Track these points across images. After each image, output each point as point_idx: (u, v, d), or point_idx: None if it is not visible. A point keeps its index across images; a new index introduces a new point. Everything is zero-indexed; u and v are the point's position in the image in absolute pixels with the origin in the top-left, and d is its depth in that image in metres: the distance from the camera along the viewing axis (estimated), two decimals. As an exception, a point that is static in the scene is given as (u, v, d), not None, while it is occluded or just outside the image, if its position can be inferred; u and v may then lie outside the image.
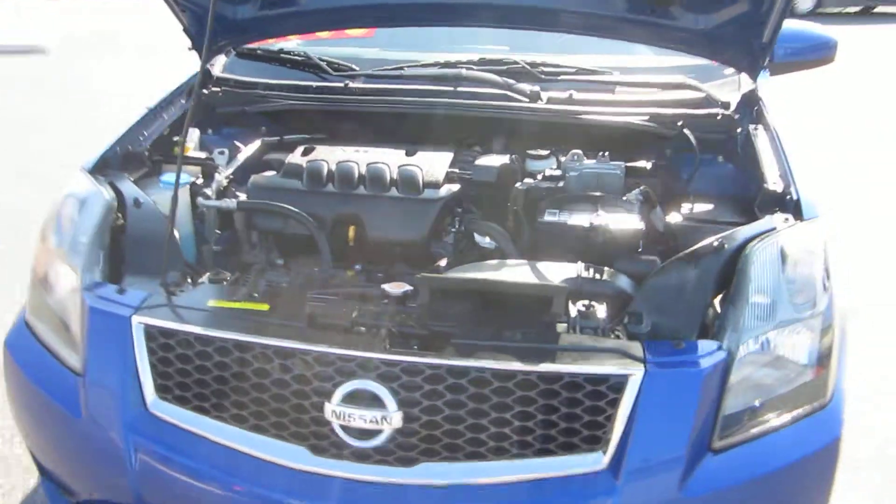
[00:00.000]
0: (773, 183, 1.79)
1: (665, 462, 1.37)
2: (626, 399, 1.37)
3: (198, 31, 2.22)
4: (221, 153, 2.22)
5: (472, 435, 1.39)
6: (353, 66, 2.33)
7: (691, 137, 2.01)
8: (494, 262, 1.67)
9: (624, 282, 1.62)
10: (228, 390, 1.47)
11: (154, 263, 1.67)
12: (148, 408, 1.50)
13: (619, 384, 1.37)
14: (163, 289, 1.60)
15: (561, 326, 1.50)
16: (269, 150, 2.17)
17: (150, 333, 1.52)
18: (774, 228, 1.60)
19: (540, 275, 1.60)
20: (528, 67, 2.22)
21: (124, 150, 2.01)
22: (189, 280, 1.69)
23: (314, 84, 2.28)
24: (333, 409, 1.39)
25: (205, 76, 2.34)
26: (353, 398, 1.39)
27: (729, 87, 2.24)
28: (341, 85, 2.24)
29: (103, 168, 1.93)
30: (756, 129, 2.04)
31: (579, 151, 1.96)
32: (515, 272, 1.61)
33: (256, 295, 1.60)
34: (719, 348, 1.42)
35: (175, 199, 1.60)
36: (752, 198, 1.84)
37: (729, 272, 1.55)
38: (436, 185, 1.86)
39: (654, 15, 1.98)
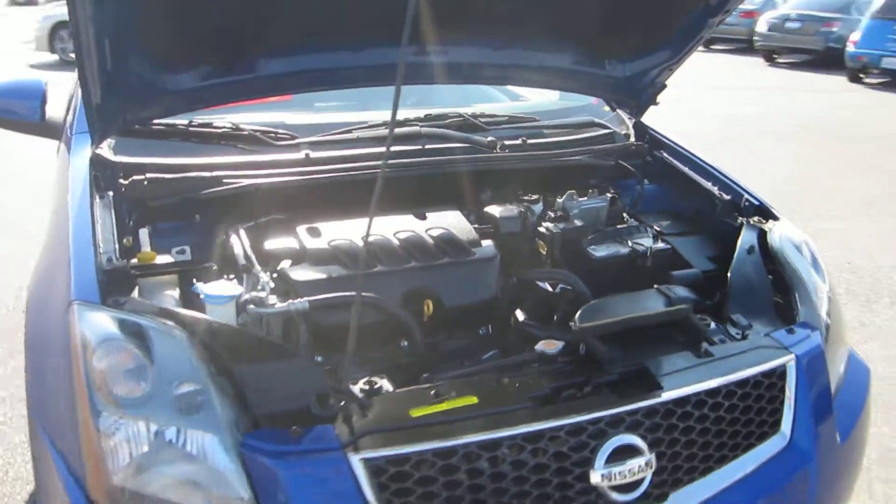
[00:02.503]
0: (722, 193, 2.22)
1: (825, 422, 1.67)
2: (790, 383, 1.64)
3: (113, 107, 1.82)
4: (181, 252, 1.87)
5: (703, 452, 1.51)
6: (293, 134, 2.13)
7: (629, 166, 2.36)
8: (606, 300, 1.77)
9: (690, 292, 1.88)
10: (483, 497, 1.34)
11: (272, 395, 1.38)
12: (397, 559, 1.27)
13: (782, 373, 1.63)
14: (352, 409, 1.35)
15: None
16: (255, 238, 1.89)
17: (376, 468, 1.29)
18: (770, 229, 2.02)
19: (651, 301, 1.76)
20: (471, 119, 2.32)
21: (104, 270, 1.57)
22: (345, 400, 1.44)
23: (266, 158, 2.03)
24: (602, 473, 1.38)
25: (127, 167, 1.91)
26: (612, 457, 1.40)
27: (614, 121, 2.63)
28: (301, 156, 2.05)
29: (108, 297, 1.49)
30: (661, 152, 2.46)
31: (574, 191, 2.15)
32: (635, 304, 1.74)
33: (434, 393, 1.45)
34: (813, 328, 1.77)
35: (358, 300, 1.36)
36: (690, 211, 2.26)
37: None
38: (476, 244, 1.88)
39: (594, 66, 2.27)
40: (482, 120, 2.34)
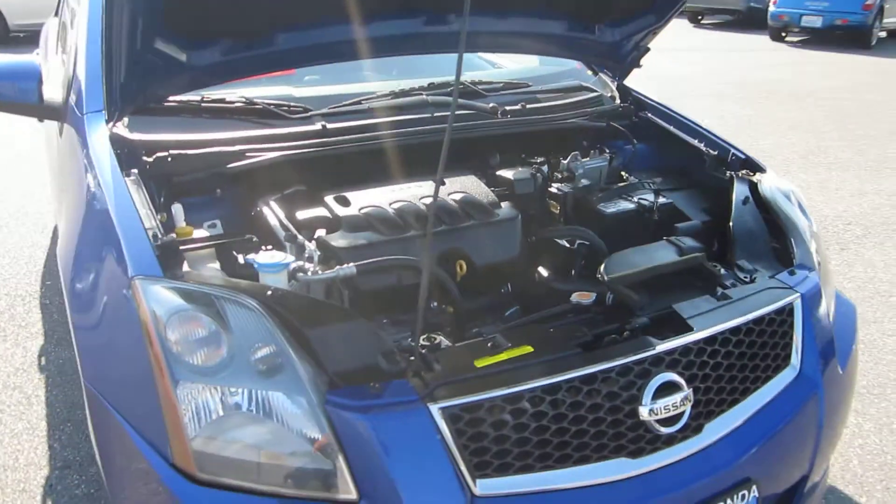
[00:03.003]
0: (710, 149, 2.36)
1: (828, 354, 1.84)
2: (797, 319, 1.80)
3: (136, 85, 1.82)
4: (213, 226, 1.90)
5: (729, 386, 1.66)
6: (306, 107, 2.16)
7: (620, 127, 2.48)
8: (625, 252, 1.89)
9: (695, 242, 2.02)
10: (549, 437, 1.45)
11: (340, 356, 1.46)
12: (477, 495, 1.37)
13: (790, 310, 1.79)
14: (418, 363, 1.44)
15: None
16: (285, 209, 1.93)
17: (453, 415, 1.38)
18: (760, 181, 2.18)
19: (664, 252, 1.90)
20: (472, 87, 2.39)
21: (157, 245, 1.60)
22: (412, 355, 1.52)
23: (283, 131, 2.06)
24: (649, 408, 1.51)
25: (149, 144, 1.91)
26: (656, 394, 1.53)
27: (598, 84, 2.74)
28: (317, 127, 2.09)
29: (167, 270, 1.52)
30: (645, 113, 2.59)
31: (577, 152, 2.26)
32: (652, 255, 1.87)
33: (491, 345, 1.55)
34: (810, 269, 1.94)
35: (427, 262, 1.42)
36: (678, 168, 2.41)
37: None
38: (496, 205, 1.98)
39: (586, 31, 2.37)
40: (481, 87, 2.41)
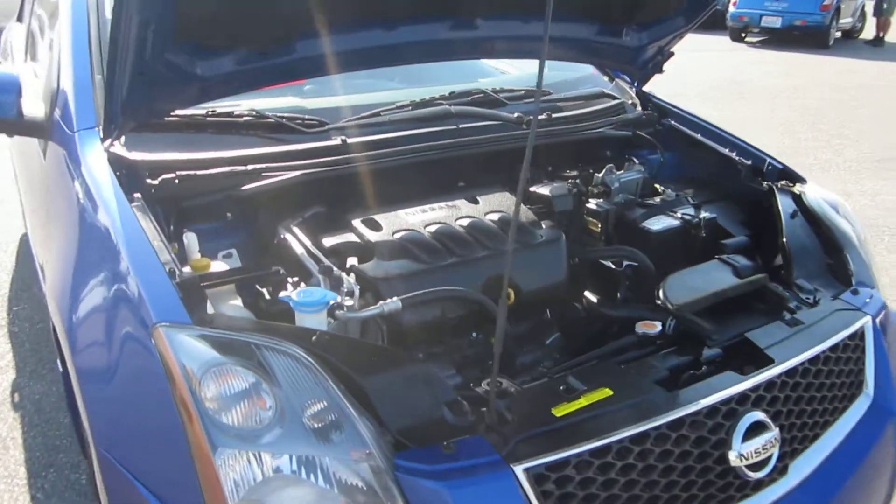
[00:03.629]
0: (742, 159, 2.24)
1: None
2: (868, 343, 1.68)
3: (141, 99, 1.62)
4: (228, 256, 1.70)
5: (811, 420, 1.53)
6: (322, 119, 1.97)
7: (647, 136, 2.35)
8: (682, 274, 1.75)
9: (749, 259, 1.89)
10: (638, 491, 1.29)
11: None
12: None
13: (861, 333, 1.68)
14: (492, 415, 1.27)
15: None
16: (310, 235, 1.74)
17: (538, 476, 1.21)
18: (803, 192, 2.07)
19: (721, 272, 1.76)
20: (493, 95, 2.23)
21: (179, 285, 1.39)
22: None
23: (301, 147, 1.87)
24: (739, 452, 1.37)
25: (152, 165, 1.71)
26: (745, 435, 1.39)
27: (616, 91, 2.60)
28: (337, 142, 1.90)
29: (194, 314, 1.32)
30: (668, 119, 2.46)
31: (612, 165, 2.11)
32: (709, 276, 1.74)
33: (564, 388, 1.39)
34: (871, 286, 1.83)
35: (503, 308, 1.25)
36: (706, 176, 2.29)
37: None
38: (537, 225, 1.82)
39: (614, 35, 2.23)
40: (502, 95, 2.25)
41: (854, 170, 5.92)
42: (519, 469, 1.20)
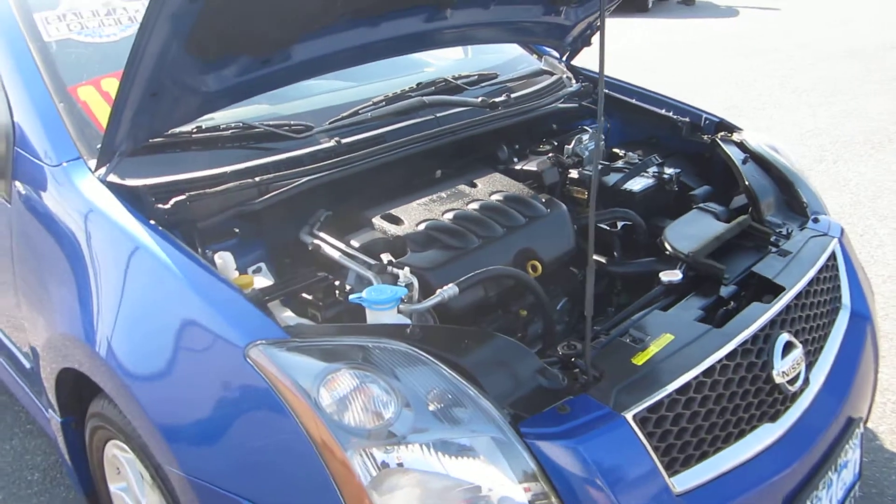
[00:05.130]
0: (679, 116, 2.45)
1: (864, 287, 1.99)
2: (840, 262, 1.93)
3: (145, 123, 1.56)
4: (258, 270, 1.68)
5: (818, 335, 1.74)
6: (307, 124, 1.95)
7: (592, 106, 2.51)
8: (677, 225, 1.90)
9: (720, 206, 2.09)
10: (715, 419, 1.43)
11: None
12: (678, 493, 1.33)
13: (833, 254, 1.91)
14: (591, 373, 1.36)
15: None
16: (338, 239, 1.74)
17: (643, 419, 1.32)
18: (745, 140, 2.30)
19: (707, 219, 1.94)
20: (454, 82, 2.29)
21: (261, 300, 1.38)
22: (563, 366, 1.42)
23: (301, 153, 1.84)
24: (781, 370, 1.55)
25: (156, 189, 1.64)
26: (782, 355, 1.57)
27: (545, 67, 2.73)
28: (332, 144, 1.90)
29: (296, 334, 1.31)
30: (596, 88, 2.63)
31: (580, 135, 2.25)
32: (700, 223, 1.91)
33: (631, 340, 1.50)
34: (825, 213, 2.08)
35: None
36: (648, 138, 2.49)
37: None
38: (538, 199, 1.93)
39: (553, 14, 2.35)
40: (460, 82, 2.32)
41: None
42: (628, 416, 1.30)
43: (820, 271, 1.82)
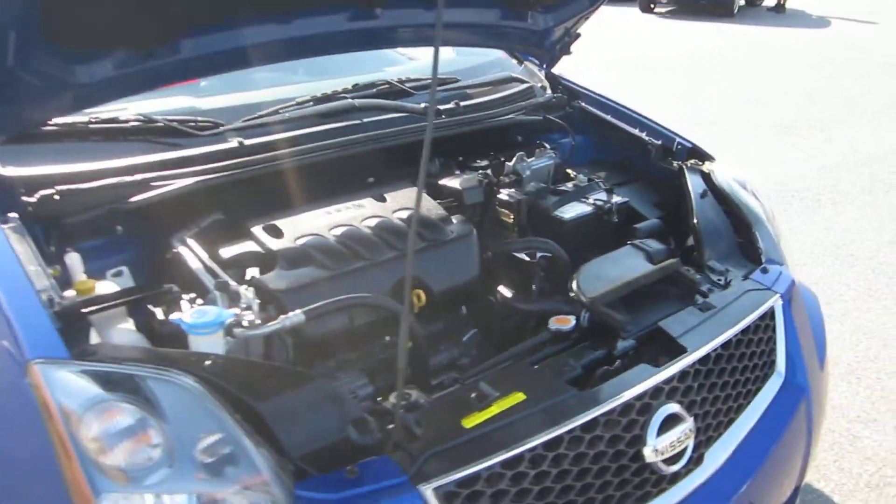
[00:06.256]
0: (653, 139, 2.23)
1: (809, 353, 1.75)
2: (778, 322, 1.69)
3: (6, 112, 1.48)
4: (118, 274, 1.58)
5: (725, 406, 1.53)
6: (216, 121, 1.85)
7: (557, 120, 2.31)
8: (594, 264, 1.72)
9: (661, 243, 1.88)
10: (553, 499, 1.26)
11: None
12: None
13: (772, 313, 1.68)
14: (399, 431, 1.21)
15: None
16: (207, 246, 1.63)
17: (448, 493, 1.16)
18: (712, 171, 2.07)
19: (634, 259, 1.74)
20: (398, 85, 2.15)
21: (55, 312, 1.28)
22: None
23: (193, 152, 1.75)
24: (654, 448, 1.35)
25: (28, 181, 1.57)
26: (660, 429, 1.38)
27: (525, 74, 2.55)
28: (233, 145, 1.79)
29: (74, 347, 1.21)
30: (578, 102, 2.43)
31: (523, 153, 2.07)
32: (623, 264, 1.71)
33: (476, 395, 1.34)
34: (780, 263, 1.84)
35: (406, 315, 1.17)
36: (618, 159, 2.28)
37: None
38: (448, 220, 1.77)
39: (519, 19, 2.17)
40: (408, 85, 2.18)
41: (763, 134, 6.09)
42: (427, 489, 1.14)
43: (745, 332, 1.60)
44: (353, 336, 1.56)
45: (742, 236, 1.92)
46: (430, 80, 2.24)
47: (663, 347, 1.50)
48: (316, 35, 1.80)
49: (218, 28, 1.66)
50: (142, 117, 1.77)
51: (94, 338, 1.32)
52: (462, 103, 2.17)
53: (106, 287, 1.50)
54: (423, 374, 1.54)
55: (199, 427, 1.13)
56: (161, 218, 1.67)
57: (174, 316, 1.34)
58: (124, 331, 1.43)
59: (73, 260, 1.49)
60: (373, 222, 1.69)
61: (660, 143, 2.21)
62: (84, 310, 1.33)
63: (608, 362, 1.46)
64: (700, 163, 2.13)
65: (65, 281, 1.46)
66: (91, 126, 1.72)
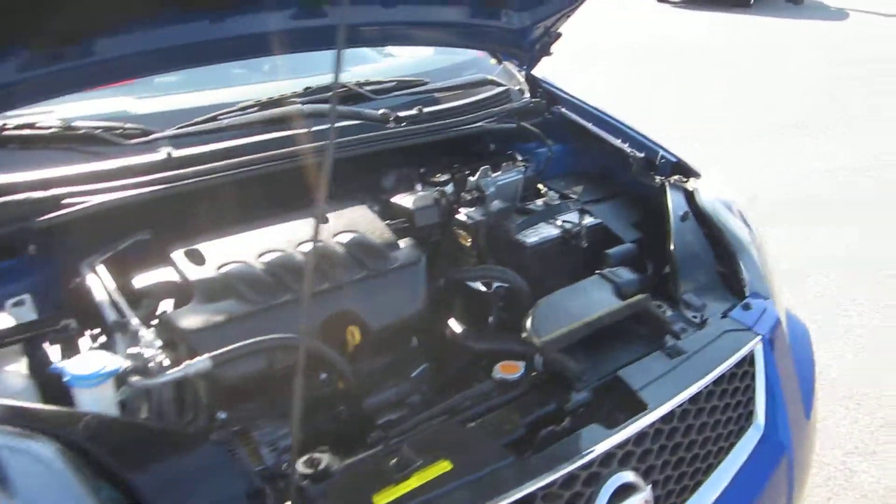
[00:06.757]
0: (634, 151, 2.04)
1: (793, 402, 1.57)
2: (758, 367, 1.51)
3: None
4: (20, 304, 1.42)
5: (691, 468, 1.36)
6: (146, 127, 1.69)
7: (531, 128, 2.12)
8: (553, 298, 1.54)
9: (631, 272, 1.70)
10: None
11: None
12: None
13: (751, 358, 1.50)
14: None
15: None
16: (118, 272, 1.47)
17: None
18: (696, 189, 1.88)
19: (599, 292, 1.57)
20: (356, 89, 1.97)
21: None
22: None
23: (113, 165, 1.58)
24: (605, 522, 1.18)
25: None
26: (611, 501, 1.20)
27: (503, 76, 2.36)
28: (161, 156, 1.62)
29: None
30: (558, 107, 2.25)
31: (487, 166, 1.88)
32: (585, 298, 1.54)
33: (396, 463, 1.17)
34: (765, 298, 1.66)
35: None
36: (597, 171, 2.09)
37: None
38: (394, 246, 1.59)
39: (491, 17, 1.99)
40: (368, 88, 2.00)
41: (772, 133, 5.85)
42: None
43: (718, 382, 1.42)
44: (283, 379, 1.40)
45: (724, 265, 1.73)
46: (393, 83, 2.07)
47: (621, 402, 1.32)
48: (253, 35, 1.63)
49: (138, 26, 1.49)
50: (61, 123, 1.61)
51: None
52: (426, 109, 1.99)
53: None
54: (356, 417, 1.38)
55: (56, 505, 0.97)
56: (76, 239, 1.51)
57: (56, 364, 1.18)
58: (11, 374, 1.27)
59: None
60: (307, 247, 1.52)
61: (642, 155, 2.02)
62: None
63: (557, 419, 1.29)
64: (684, 179, 1.94)
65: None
66: (3, 133, 1.57)
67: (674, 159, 2.00)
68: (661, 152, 2.02)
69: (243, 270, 1.43)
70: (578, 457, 1.19)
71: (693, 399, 1.36)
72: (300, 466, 1.14)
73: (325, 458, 1.16)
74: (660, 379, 1.36)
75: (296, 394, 0.97)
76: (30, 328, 1.31)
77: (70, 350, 1.33)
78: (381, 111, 1.91)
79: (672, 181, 1.93)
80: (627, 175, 2.02)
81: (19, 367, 1.28)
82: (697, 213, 1.82)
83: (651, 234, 1.84)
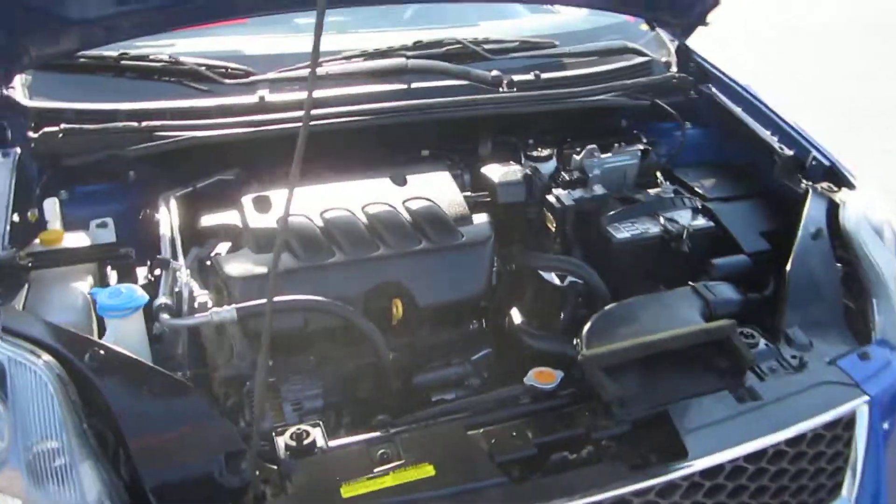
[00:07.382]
0: (783, 147, 1.74)
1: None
2: (858, 435, 1.25)
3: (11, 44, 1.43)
4: (102, 226, 1.50)
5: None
6: (248, 69, 1.70)
7: (667, 107, 1.88)
8: (622, 307, 1.37)
9: (737, 290, 1.47)
10: None
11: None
12: None
13: (850, 421, 1.24)
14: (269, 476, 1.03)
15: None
16: (190, 209, 1.51)
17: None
18: (844, 202, 1.56)
19: (682, 308, 1.37)
20: (472, 47, 1.85)
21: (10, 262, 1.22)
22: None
23: (207, 103, 1.62)
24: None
25: (39, 113, 1.54)
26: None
27: (652, 45, 2.12)
28: (254, 99, 1.63)
29: None
30: (708, 86, 1.97)
31: (595, 146, 1.70)
32: (661, 312, 1.35)
33: (381, 454, 1.10)
34: (893, 349, 1.36)
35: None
36: (742, 164, 1.81)
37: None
38: (466, 220, 1.48)
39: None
40: (487, 47, 1.86)
41: None
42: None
43: (794, 442, 1.19)
44: (320, 340, 1.37)
45: (854, 301, 1.44)
46: (516, 42, 1.92)
47: (660, 442, 1.14)
48: None
49: None
50: (168, 58, 1.66)
51: (21, 297, 1.24)
52: (544, 75, 1.83)
53: (76, 239, 1.42)
54: (388, 393, 1.33)
55: (42, 427, 1.01)
56: (163, 170, 1.57)
57: (94, 289, 1.24)
58: (74, 291, 1.34)
59: (50, 205, 1.43)
60: (373, 210, 1.46)
61: (791, 153, 1.72)
62: (27, 262, 1.26)
63: (577, 446, 1.14)
64: (834, 188, 1.63)
65: (42, 227, 1.41)
66: (119, 63, 1.67)
67: (828, 162, 1.68)
68: (815, 152, 1.71)
69: (301, 226, 1.40)
70: (580, 495, 1.04)
71: (753, 457, 1.15)
72: (286, 437, 1.10)
73: (314, 434, 1.12)
74: (716, 424, 1.16)
75: (261, 360, 0.94)
76: (95, 251, 1.38)
77: (127, 277, 1.39)
78: (493, 73, 1.78)
79: (819, 188, 1.62)
80: (771, 174, 1.74)
81: (83, 286, 1.35)
82: (836, 232, 1.52)
83: (783, 249, 1.56)
